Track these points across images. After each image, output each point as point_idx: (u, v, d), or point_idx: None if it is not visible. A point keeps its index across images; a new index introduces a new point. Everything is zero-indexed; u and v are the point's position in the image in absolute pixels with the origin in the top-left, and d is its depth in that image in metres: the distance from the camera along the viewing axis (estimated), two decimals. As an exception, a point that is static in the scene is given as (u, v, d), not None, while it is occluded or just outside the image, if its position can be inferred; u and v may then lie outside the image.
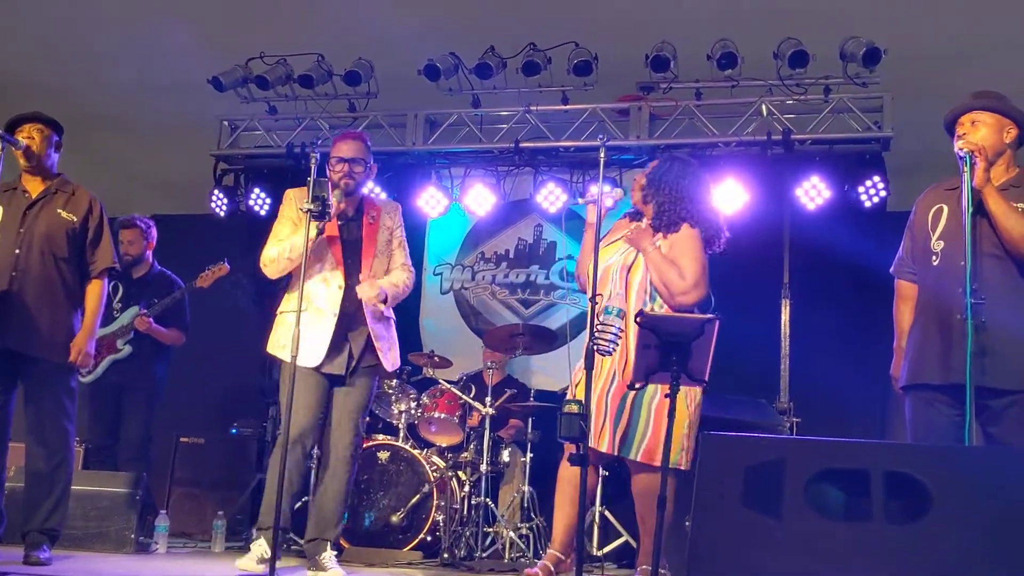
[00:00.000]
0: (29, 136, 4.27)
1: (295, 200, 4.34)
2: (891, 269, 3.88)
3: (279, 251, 4.25)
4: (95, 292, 4.34)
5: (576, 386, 3.99)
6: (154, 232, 5.98)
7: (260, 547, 4.10)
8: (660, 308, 3.87)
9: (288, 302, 4.30)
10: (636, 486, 3.91)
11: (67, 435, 4.21)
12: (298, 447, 4.13)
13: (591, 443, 3.86)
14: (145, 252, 5.90)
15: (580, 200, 4.18)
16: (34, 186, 4.32)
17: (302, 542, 4.33)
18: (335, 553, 4.22)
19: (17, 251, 4.16)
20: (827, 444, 2.64)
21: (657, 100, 6.21)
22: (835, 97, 5.90)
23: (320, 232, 4.08)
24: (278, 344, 4.25)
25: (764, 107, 6.07)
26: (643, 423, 3.80)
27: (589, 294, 4.05)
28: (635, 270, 3.94)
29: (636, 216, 4.16)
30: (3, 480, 4.23)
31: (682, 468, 3.81)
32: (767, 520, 2.52)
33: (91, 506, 4.92)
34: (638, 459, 3.80)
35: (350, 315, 4.25)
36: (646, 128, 6.30)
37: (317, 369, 4.18)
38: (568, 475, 3.98)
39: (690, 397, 3.84)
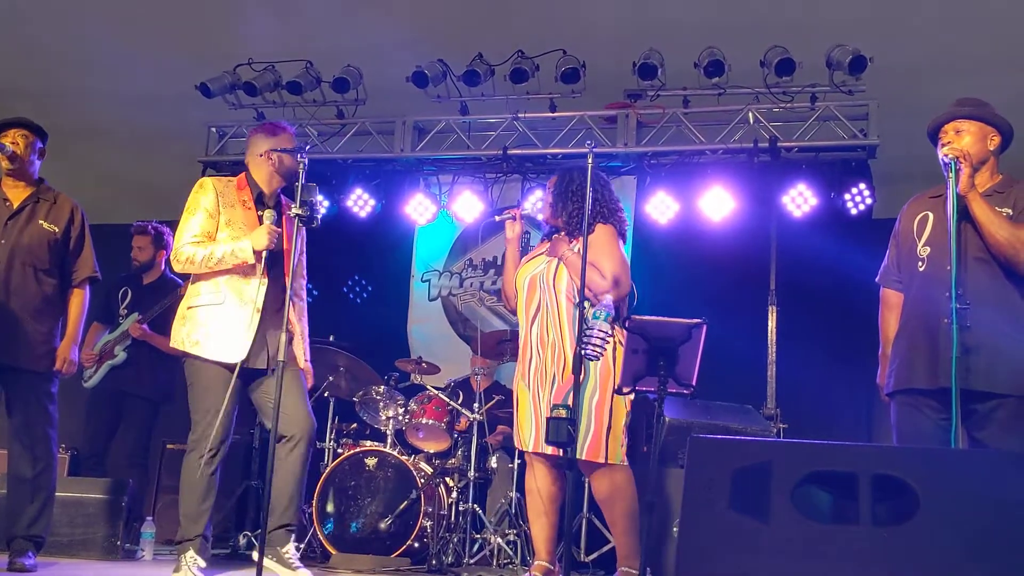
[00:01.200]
0: (13, 141, 4.26)
1: (216, 191, 4.11)
2: (877, 278, 3.91)
3: (202, 257, 3.98)
4: (77, 301, 4.36)
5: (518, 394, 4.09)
6: (168, 239, 5.93)
7: (192, 559, 3.92)
8: (588, 312, 3.93)
9: (198, 295, 4.05)
10: (596, 491, 3.99)
11: (50, 441, 4.20)
12: (220, 454, 4.01)
13: (536, 448, 3.95)
14: (155, 259, 5.87)
15: (497, 218, 4.37)
16: (16, 194, 4.30)
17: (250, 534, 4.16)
18: (297, 544, 4.11)
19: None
20: (814, 447, 2.65)
21: (644, 108, 6.24)
22: (821, 105, 5.94)
23: (277, 231, 3.99)
24: (190, 340, 4.00)
25: (751, 115, 6.10)
26: (585, 421, 3.85)
27: (516, 311, 4.14)
28: (559, 278, 4.03)
29: (552, 235, 4.26)
30: None
31: (623, 463, 3.91)
32: (755, 523, 2.53)
33: (77, 513, 4.89)
34: (584, 457, 3.85)
35: (272, 310, 4.02)
36: (633, 136, 6.33)
37: (233, 366, 3.95)
38: (535, 486, 4.03)
39: (627, 396, 3.89)
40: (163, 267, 5.92)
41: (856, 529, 2.46)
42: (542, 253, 4.19)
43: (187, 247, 4.01)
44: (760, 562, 2.50)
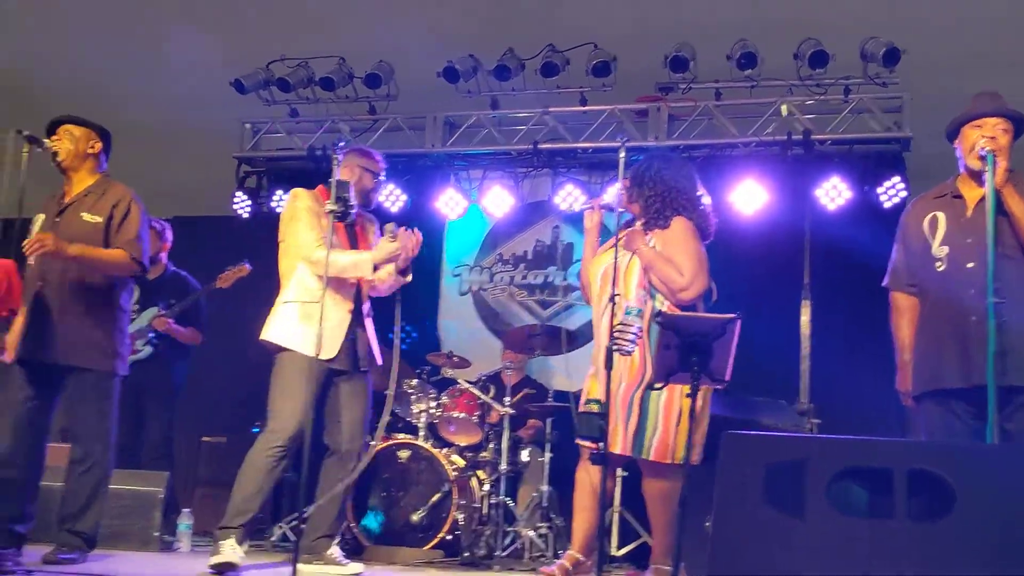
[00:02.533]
0: (58, 139, 4.24)
1: (311, 197, 4.34)
2: (884, 283, 3.87)
3: (351, 263, 4.18)
4: (114, 252, 4.12)
5: (588, 391, 4.01)
6: (169, 234, 5.99)
7: (232, 547, 3.92)
8: (661, 305, 3.89)
9: (295, 290, 4.20)
10: (647, 488, 3.90)
11: (100, 438, 4.17)
12: (298, 440, 4.01)
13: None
14: (159, 254, 5.90)
15: (577, 207, 4.28)
16: (70, 190, 4.27)
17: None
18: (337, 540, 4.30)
19: (42, 259, 4.06)
20: (849, 443, 2.63)
21: (676, 101, 6.22)
22: (855, 97, 5.90)
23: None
24: (287, 333, 4.14)
25: (784, 107, 6.06)
26: (652, 422, 3.80)
27: (591, 301, 4.10)
28: (631, 271, 3.94)
29: (633, 224, 4.17)
30: (37, 483, 4.17)
31: (693, 463, 3.82)
32: (789, 519, 2.52)
33: (114, 504, 4.91)
34: (651, 458, 3.79)
35: (359, 310, 4.31)
36: (665, 129, 6.31)
37: (326, 362, 4.06)
38: (585, 478, 3.99)
39: (698, 393, 3.83)
40: (166, 262, 5.97)
41: (892, 525, 2.44)
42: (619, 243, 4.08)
43: (318, 250, 4.11)
44: (795, 558, 2.49)
